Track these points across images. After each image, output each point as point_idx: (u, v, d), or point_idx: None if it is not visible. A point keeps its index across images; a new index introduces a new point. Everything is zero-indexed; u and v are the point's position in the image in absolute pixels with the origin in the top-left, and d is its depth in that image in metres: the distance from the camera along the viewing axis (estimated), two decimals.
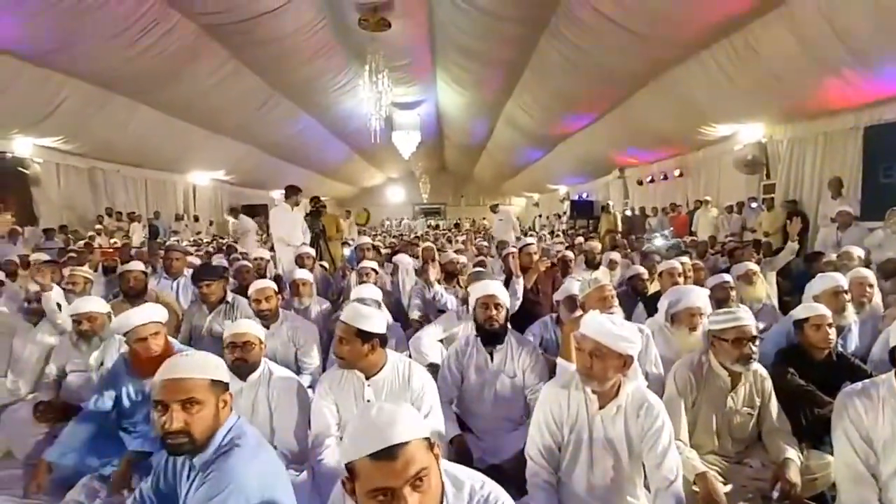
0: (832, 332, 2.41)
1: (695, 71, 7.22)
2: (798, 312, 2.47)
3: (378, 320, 2.00)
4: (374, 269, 4.17)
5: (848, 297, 2.87)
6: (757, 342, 2.12)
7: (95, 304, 2.74)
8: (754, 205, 8.40)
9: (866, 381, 1.83)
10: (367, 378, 2.04)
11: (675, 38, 6.55)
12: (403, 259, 5.10)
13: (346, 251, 7.14)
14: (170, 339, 2.47)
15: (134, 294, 3.41)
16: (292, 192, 5.84)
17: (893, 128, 5.90)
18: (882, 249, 4.64)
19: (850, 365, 2.46)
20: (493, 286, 2.56)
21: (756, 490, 2.10)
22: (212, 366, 1.46)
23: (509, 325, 2.58)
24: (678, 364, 2.26)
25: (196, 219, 13.69)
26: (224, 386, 1.47)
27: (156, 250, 6.85)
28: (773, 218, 7.33)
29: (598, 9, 6.41)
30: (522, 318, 3.46)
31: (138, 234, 10.44)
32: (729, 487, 2.07)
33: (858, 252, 3.94)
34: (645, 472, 1.83)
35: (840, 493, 1.80)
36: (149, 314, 2.26)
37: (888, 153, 5.88)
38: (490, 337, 2.50)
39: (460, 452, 2.29)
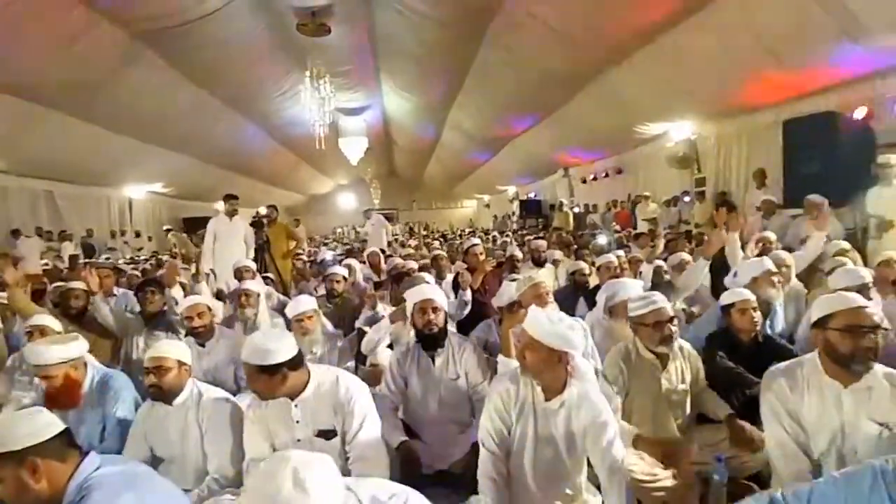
0: (757, 316, 2.55)
1: (627, 73, 7.54)
2: (724, 298, 2.60)
3: (283, 347, 1.82)
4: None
5: (778, 277, 3.02)
6: (675, 322, 2.26)
7: (51, 321, 2.79)
8: (687, 198, 8.87)
9: (791, 360, 1.87)
10: (292, 399, 1.91)
11: (607, 41, 6.81)
12: (354, 264, 5.04)
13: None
14: (93, 363, 2.33)
15: (75, 314, 3.31)
16: (226, 199, 5.55)
17: (810, 120, 6.29)
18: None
19: (776, 346, 2.59)
20: (429, 290, 2.53)
21: (697, 473, 2.18)
22: None
23: (449, 327, 2.56)
24: (609, 354, 2.35)
25: (137, 234, 12.94)
26: (23, 453, 1.29)
27: (76, 268, 6.38)
28: (705, 210, 7.76)
29: (534, 14, 6.58)
30: (469, 319, 3.48)
31: (70, 254, 9.70)
32: (670, 472, 2.14)
33: (773, 236, 4.21)
34: (590, 465, 1.87)
35: (775, 471, 1.85)
36: (53, 354, 2.11)
37: (806, 144, 6.27)
38: (430, 341, 2.46)
39: (408, 459, 2.25)
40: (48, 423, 1.36)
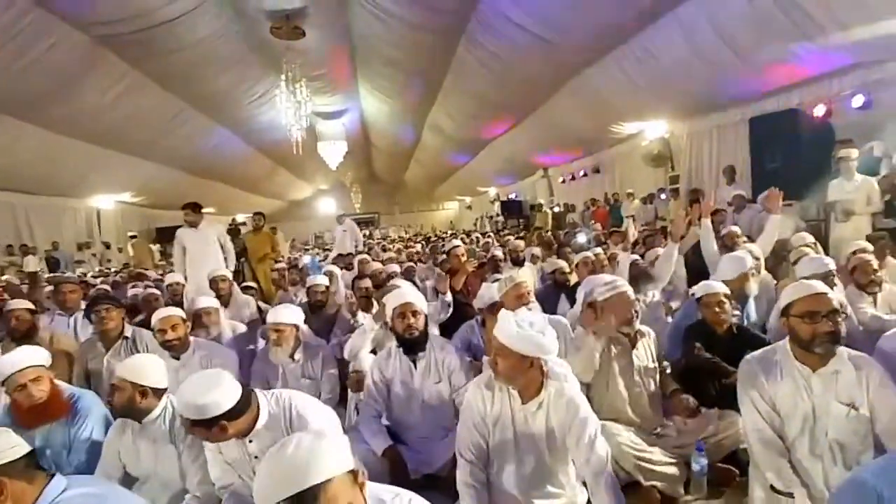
0: (729, 307, 2.63)
1: (601, 74, 7.67)
2: (698, 291, 2.67)
3: (220, 397, 1.60)
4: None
5: (753, 272, 3.11)
6: (636, 305, 2.40)
7: None
8: (663, 196, 9.06)
9: (765, 348, 1.94)
10: (246, 435, 1.76)
11: (579, 44, 6.92)
12: (336, 270, 4.99)
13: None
14: (59, 382, 2.23)
15: (20, 336, 3.10)
16: (184, 209, 5.12)
17: (774, 118, 6.57)
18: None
19: (749, 335, 2.66)
20: (408, 293, 2.49)
21: (679, 457, 2.22)
22: None
23: (432, 331, 2.55)
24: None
25: (107, 246, 12.56)
26: None
27: (38, 284, 6.15)
28: (679, 206, 7.94)
29: (509, 17, 6.65)
30: (452, 320, 3.48)
31: (33, 269, 9.37)
32: (656, 449, 2.19)
33: (738, 230, 4.35)
34: (574, 464, 1.86)
35: (753, 457, 1.90)
36: (25, 358, 2.04)
37: (771, 141, 6.53)
38: (411, 345, 2.43)
39: (394, 464, 2.24)
40: (14, 444, 1.33)
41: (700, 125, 8.26)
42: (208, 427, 1.62)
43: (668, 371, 2.55)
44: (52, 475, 1.34)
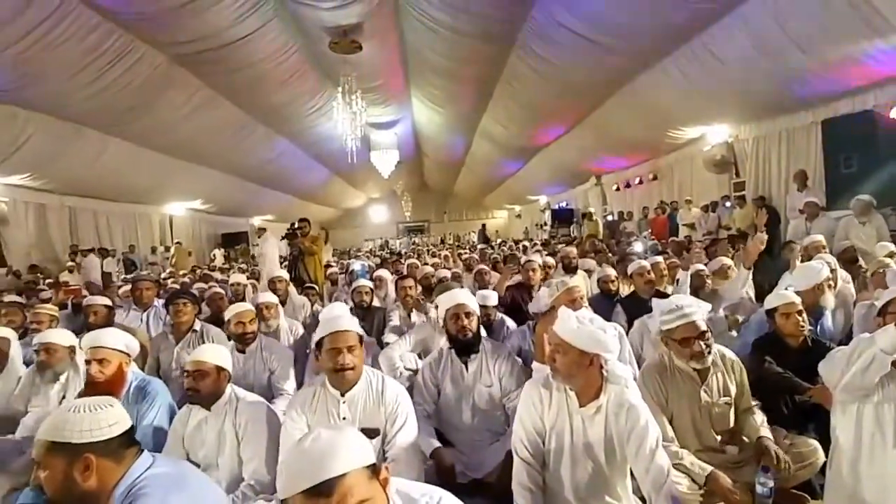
0: (803, 319, 2.44)
1: (658, 78, 7.40)
2: (769, 302, 2.50)
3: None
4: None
5: (829, 283, 2.89)
6: (708, 336, 2.05)
7: (58, 336, 2.68)
8: (728, 203, 8.59)
9: None
10: (342, 394, 1.96)
11: (635, 47, 6.73)
12: (385, 275, 5.11)
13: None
14: (131, 371, 2.37)
15: (96, 328, 3.37)
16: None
17: (849, 120, 6.11)
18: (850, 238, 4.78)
19: (825, 349, 2.45)
20: (461, 295, 2.50)
21: (744, 484, 2.07)
22: (48, 429, 1.27)
23: (483, 332, 2.54)
24: (644, 367, 2.24)
25: (168, 248, 13.50)
26: (80, 449, 1.24)
27: (110, 283, 6.64)
28: (745, 214, 7.49)
29: (562, 23, 6.58)
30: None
31: (109, 270, 10.21)
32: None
33: (822, 240, 4.04)
34: (633, 474, 1.78)
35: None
36: (104, 338, 2.21)
37: (846, 144, 6.08)
38: (464, 347, 2.44)
39: (441, 466, 2.23)
40: (115, 421, 1.31)
41: (767, 129, 7.77)
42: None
43: None
44: (142, 451, 1.36)
